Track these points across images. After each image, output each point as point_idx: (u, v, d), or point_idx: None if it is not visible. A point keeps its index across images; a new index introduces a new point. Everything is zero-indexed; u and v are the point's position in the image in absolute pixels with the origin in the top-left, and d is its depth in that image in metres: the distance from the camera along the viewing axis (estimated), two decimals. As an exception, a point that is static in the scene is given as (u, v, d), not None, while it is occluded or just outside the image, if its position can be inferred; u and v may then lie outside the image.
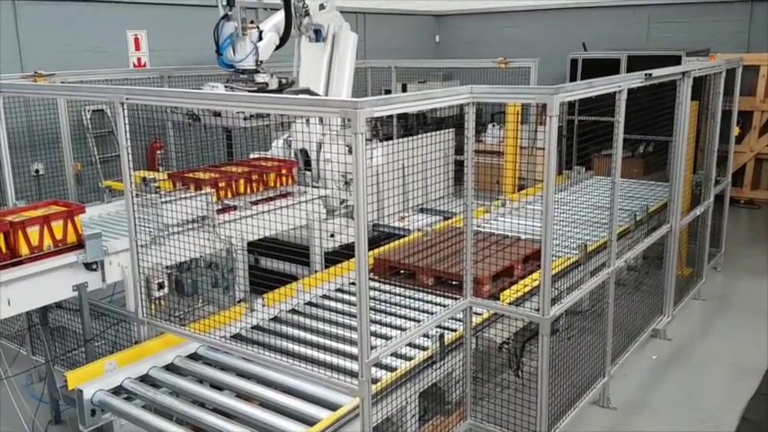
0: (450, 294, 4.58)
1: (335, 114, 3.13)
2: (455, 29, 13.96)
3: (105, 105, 7.65)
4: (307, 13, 6.18)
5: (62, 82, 6.46)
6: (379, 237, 7.54)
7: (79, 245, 4.29)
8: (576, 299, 4.44)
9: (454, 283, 4.93)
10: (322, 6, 6.38)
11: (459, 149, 11.25)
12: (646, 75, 4.64)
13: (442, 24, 14.12)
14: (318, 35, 6.48)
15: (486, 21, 13.43)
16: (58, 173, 7.19)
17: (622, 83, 4.36)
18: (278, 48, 5.99)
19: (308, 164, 6.43)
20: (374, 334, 4.25)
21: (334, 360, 3.91)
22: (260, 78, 5.46)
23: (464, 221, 4.20)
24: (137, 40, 8.84)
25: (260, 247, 5.75)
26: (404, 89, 11.15)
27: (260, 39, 5.63)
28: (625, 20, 11.94)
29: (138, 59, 8.90)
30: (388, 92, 10.93)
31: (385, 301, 4.92)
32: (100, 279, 4.40)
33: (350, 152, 7.36)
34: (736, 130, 7.77)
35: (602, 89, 4.14)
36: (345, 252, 6.05)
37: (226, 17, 5.60)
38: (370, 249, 5.78)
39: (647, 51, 10.72)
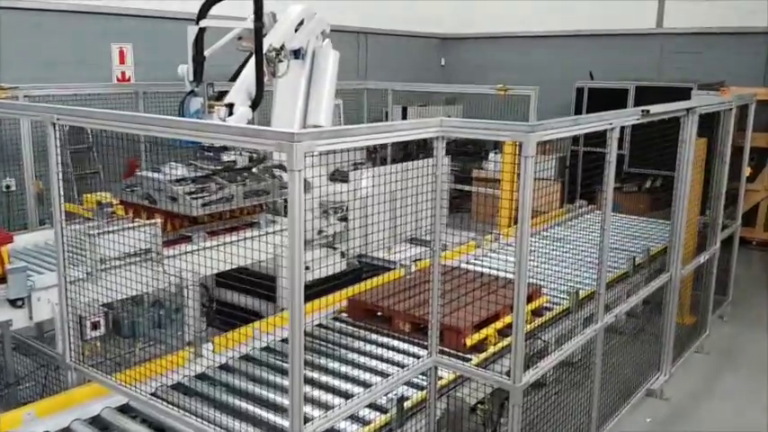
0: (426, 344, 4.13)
1: (270, 147, 2.69)
2: (462, 52, 13.58)
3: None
4: (278, 54, 5.71)
5: (25, 96, 6.10)
6: (361, 269, 7.10)
7: (3, 279, 3.87)
8: (555, 361, 3.94)
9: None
10: (299, 25, 5.97)
11: (461, 177, 10.90)
12: (643, 111, 4.17)
13: (448, 47, 13.75)
14: (298, 53, 6.06)
15: (493, 45, 13.04)
16: (23, 190, 6.81)
17: (614, 120, 3.89)
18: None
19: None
20: (327, 388, 3.82)
21: (278, 420, 3.46)
22: (227, 157, 5.07)
23: (431, 266, 3.73)
24: (122, 53, 8.51)
25: (227, 278, 5.33)
26: (404, 112, 10.78)
27: (230, 113, 5.24)
28: (636, 49, 11.50)
29: (123, 73, 8.56)
30: (386, 114, 10.59)
31: (349, 348, 4.45)
32: (27, 316, 3.97)
33: (333, 179, 6.94)
34: (747, 170, 7.26)
35: (589, 127, 3.67)
36: (323, 285, 5.61)
37: (192, 93, 5.29)
38: (350, 284, 5.42)
39: (657, 83, 10.26)
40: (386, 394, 3.68)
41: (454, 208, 9.98)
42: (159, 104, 7.51)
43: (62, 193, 3.71)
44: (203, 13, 5.53)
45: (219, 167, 4.96)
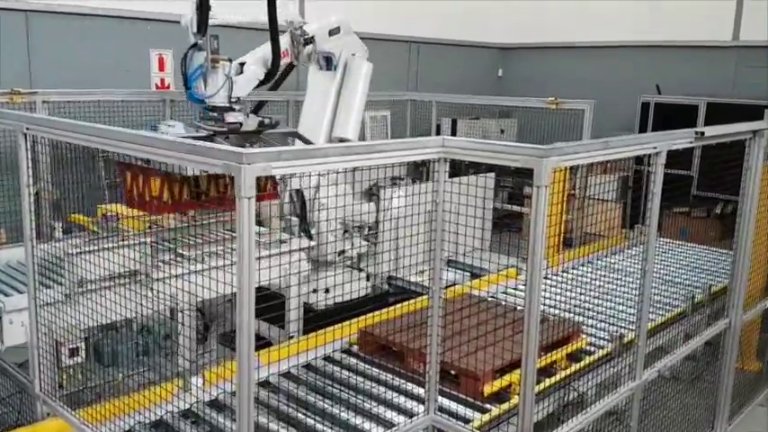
0: (442, 388, 3.66)
1: (218, 168, 2.28)
2: (521, 63, 12.92)
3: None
4: (307, 42, 5.37)
5: (44, 101, 5.92)
6: (387, 293, 6.63)
7: (-26, 299, 3.60)
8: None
9: (452, 372, 3.97)
10: (334, 31, 5.60)
11: (514, 196, 10.28)
12: (697, 133, 3.55)
13: (506, 58, 13.12)
14: (329, 63, 5.69)
15: (554, 56, 12.35)
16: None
17: (659, 144, 3.29)
18: (263, 83, 5.18)
19: (303, 207, 5.59)
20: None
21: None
22: (231, 118, 4.67)
23: (430, 304, 3.24)
24: (161, 59, 8.33)
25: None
26: (453, 125, 10.28)
27: (241, 72, 4.87)
28: (709, 62, 10.61)
29: (162, 80, 8.38)
30: (438, 127, 10.13)
31: (351, 387, 4.00)
32: (-3, 340, 3.69)
33: (370, 195, 6.48)
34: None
35: (624, 152, 3.09)
36: (341, 311, 5.18)
37: (195, 46, 4.89)
38: (372, 310, 4.97)
39: (731, 99, 9.40)
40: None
41: (504, 227, 9.40)
42: (189, 112, 7.25)
43: (32, 208, 3.41)
44: None
45: (222, 129, 4.58)
